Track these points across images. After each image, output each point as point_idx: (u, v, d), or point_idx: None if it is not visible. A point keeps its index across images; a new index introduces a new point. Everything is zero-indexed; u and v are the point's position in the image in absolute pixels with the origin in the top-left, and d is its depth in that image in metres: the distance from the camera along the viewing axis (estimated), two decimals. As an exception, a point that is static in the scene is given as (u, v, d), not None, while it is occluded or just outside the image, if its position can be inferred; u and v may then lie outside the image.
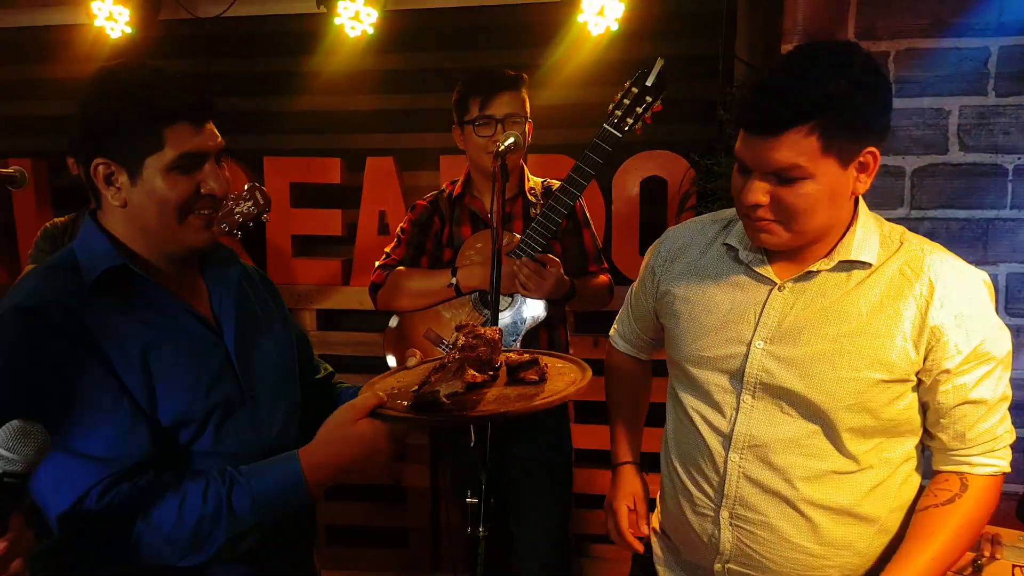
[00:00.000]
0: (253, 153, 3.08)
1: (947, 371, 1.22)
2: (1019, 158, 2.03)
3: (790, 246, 1.26)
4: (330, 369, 1.63)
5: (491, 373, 1.26)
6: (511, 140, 1.84)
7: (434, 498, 3.18)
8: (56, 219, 2.75)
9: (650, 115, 2.04)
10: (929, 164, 2.08)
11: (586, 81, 2.89)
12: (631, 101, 2.03)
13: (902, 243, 1.27)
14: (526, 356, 1.28)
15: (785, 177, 1.15)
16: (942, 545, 1.23)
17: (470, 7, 2.93)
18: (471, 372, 1.19)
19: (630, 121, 2.02)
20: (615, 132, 2.03)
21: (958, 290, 1.22)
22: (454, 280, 2.18)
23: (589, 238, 2.35)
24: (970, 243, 2.07)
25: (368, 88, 3.05)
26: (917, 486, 1.36)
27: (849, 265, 1.26)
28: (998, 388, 1.25)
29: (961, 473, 1.28)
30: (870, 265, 1.25)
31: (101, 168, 1.18)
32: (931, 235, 2.08)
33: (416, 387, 1.18)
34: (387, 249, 2.36)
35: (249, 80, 3.16)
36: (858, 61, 1.12)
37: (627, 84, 2.04)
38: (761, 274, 1.33)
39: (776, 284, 1.31)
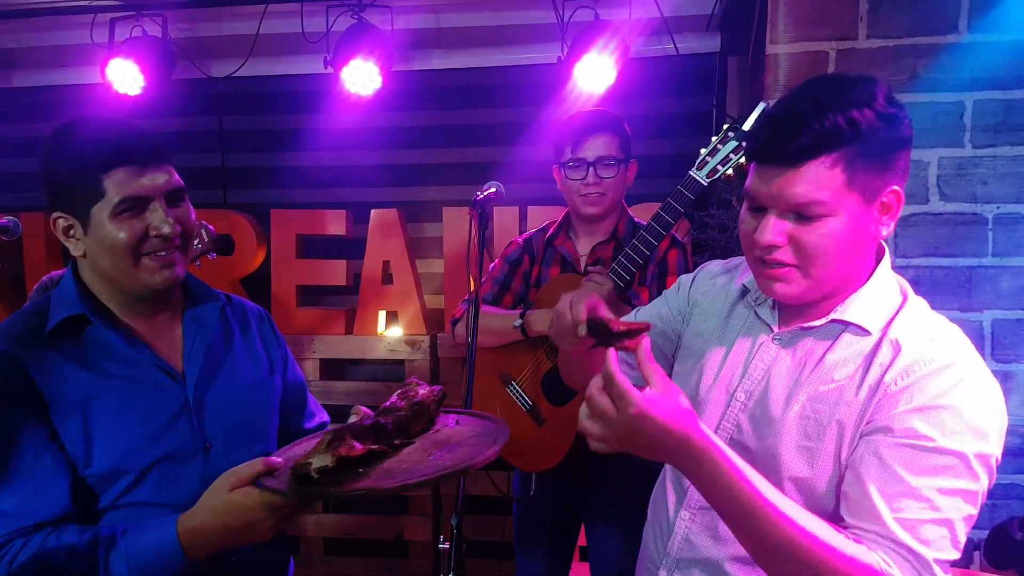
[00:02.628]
0: (262, 206, 3.19)
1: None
2: (998, 207, 2.09)
3: (806, 298, 1.12)
4: (326, 419, 1.61)
5: (397, 442, 1.18)
6: (492, 189, 1.91)
7: (436, 551, 3.16)
8: (54, 272, 2.82)
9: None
10: (911, 214, 2.14)
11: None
12: (725, 147, 1.94)
13: (901, 310, 1.12)
14: (429, 405, 1.22)
15: (806, 215, 1.04)
16: (792, 511, 1.00)
17: (471, 68, 3.06)
18: (349, 443, 1.10)
19: (720, 168, 1.94)
20: (700, 180, 1.95)
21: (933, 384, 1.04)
22: (520, 322, 2.14)
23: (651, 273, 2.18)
24: (954, 290, 2.12)
25: (374, 144, 3.17)
26: None
27: (842, 326, 1.13)
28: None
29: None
30: (866, 332, 1.10)
31: (60, 222, 1.21)
32: (916, 283, 2.12)
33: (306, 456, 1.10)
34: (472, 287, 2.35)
35: (259, 137, 3.29)
36: (882, 92, 1.05)
37: (724, 128, 1.96)
38: (761, 316, 1.22)
39: (773, 332, 1.19)
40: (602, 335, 1.05)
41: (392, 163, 3.19)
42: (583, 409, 0.98)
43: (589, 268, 2.10)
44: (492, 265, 2.30)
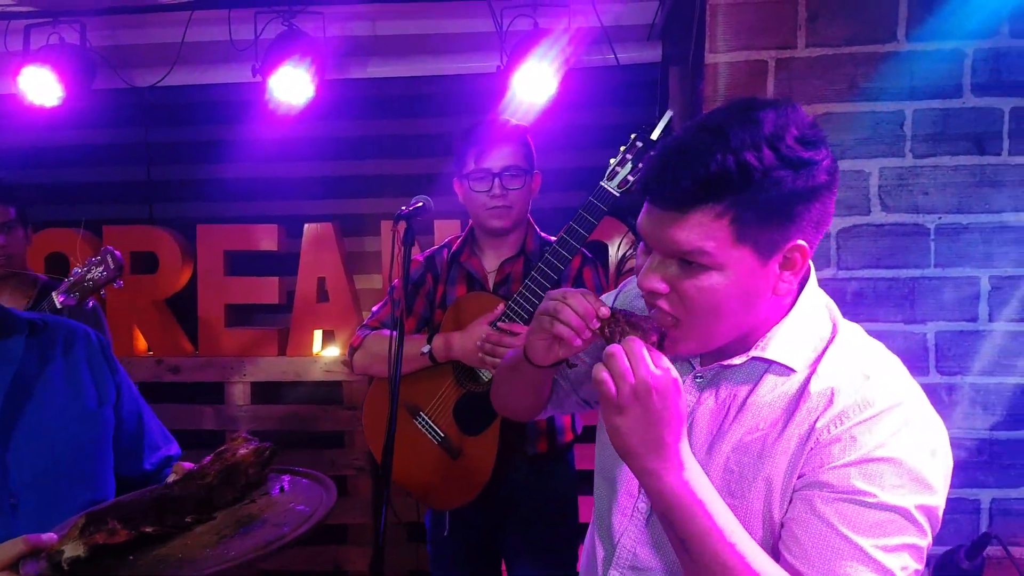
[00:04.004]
0: (187, 221, 3.04)
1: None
2: (939, 218, 2.06)
3: (698, 352, 1.04)
4: (174, 452, 1.44)
5: (190, 519, 1.02)
6: (419, 204, 1.81)
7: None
8: None
9: None
10: (853, 225, 2.10)
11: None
12: (635, 156, 1.87)
13: (831, 345, 1.00)
14: (246, 468, 1.07)
15: (688, 262, 0.93)
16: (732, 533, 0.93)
17: (409, 77, 2.96)
18: (112, 527, 0.93)
19: (631, 179, 1.86)
20: (611, 190, 1.87)
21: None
22: (428, 348, 2.00)
23: None
24: (897, 302, 2.08)
25: (307, 155, 3.05)
26: None
27: (764, 365, 1.01)
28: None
29: None
30: (790, 371, 0.99)
31: None
32: (859, 295, 2.10)
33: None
34: (374, 308, 2.19)
35: (186, 148, 3.14)
36: (795, 128, 0.90)
37: (632, 138, 1.89)
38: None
39: (695, 370, 1.07)
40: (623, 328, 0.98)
41: (326, 175, 3.07)
42: (598, 367, 0.92)
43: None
44: (392, 285, 2.12)
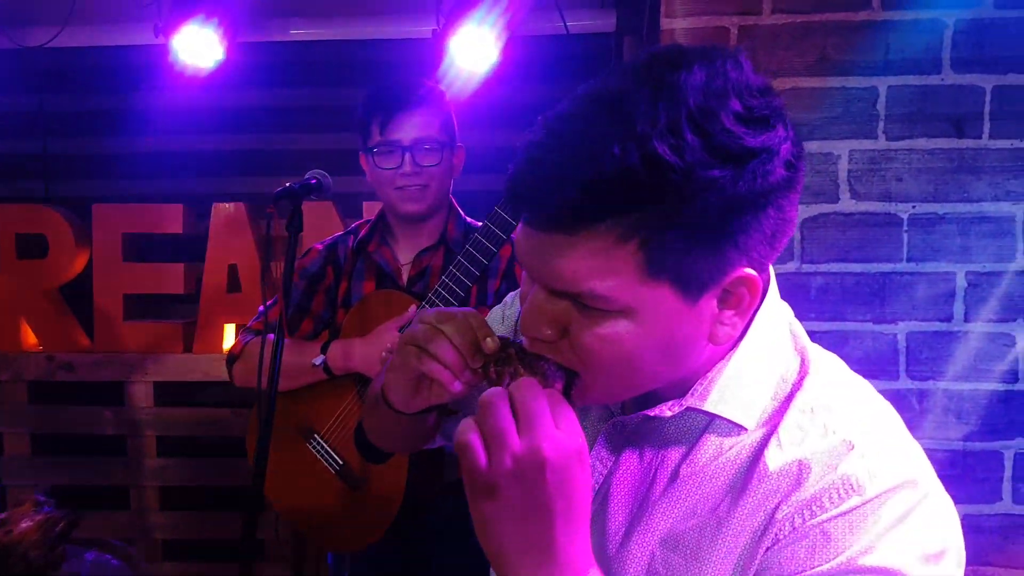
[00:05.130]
0: (80, 201, 2.70)
1: None
2: (913, 207, 1.87)
3: (609, 402, 0.80)
4: None
5: None
6: (312, 180, 1.54)
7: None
8: None
9: None
10: (820, 214, 1.90)
11: (465, 124, 2.65)
12: None
13: (799, 391, 0.73)
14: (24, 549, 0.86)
15: (585, 306, 0.66)
16: None
17: (333, 40, 2.67)
18: None
19: None
20: None
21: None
22: (322, 358, 1.69)
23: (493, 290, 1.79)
24: (866, 299, 1.89)
25: (217, 127, 2.73)
26: None
27: (704, 419, 0.74)
28: None
29: None
30: (740, 428, 0.72)
31: None
32: (824, 291, 1.89)
33: None
34: (260, 307, 1.86)
35: (82, 118, 2.79)
36: (734, 101, 0.61)
37: None
38: None
39: (613, 415, 0.80)
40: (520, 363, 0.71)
41: (239, 149, 2.75)
42: (466, 423, 0.64)
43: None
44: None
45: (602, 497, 0.78)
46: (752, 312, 0.70)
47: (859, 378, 0.77)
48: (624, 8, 2.65)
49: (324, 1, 2.65)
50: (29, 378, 2.74)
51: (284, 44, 2.67)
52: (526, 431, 0.62)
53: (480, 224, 1.67)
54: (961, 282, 1.86)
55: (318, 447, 1.77)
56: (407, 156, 1.66)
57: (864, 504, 0.65)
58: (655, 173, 0.59)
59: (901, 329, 1.89)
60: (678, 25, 1.93)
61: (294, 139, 2.72)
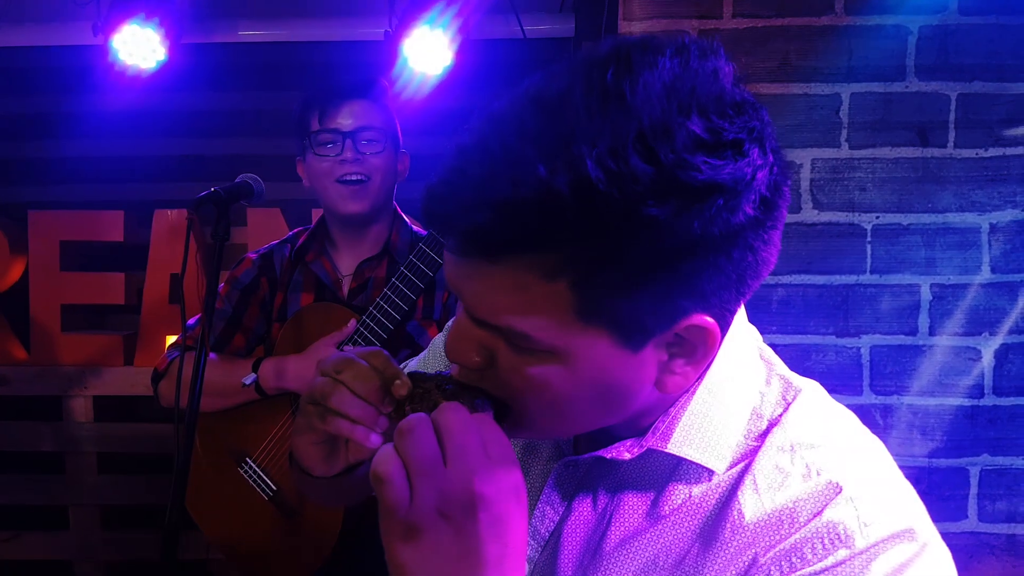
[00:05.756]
0: (16, 207, 2.57)
1: None
2: (877, 217, 1.82)
3: (555, 438, 0.72)
4: None
5: None
6: (246, 182, 1.45)
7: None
8: None
9: None
10: (782, 223, 1.84)
11: (420, 129, 2.57)
12: None
13: (776, 426, 0.64)
14: None
15: (511, 342, 0.58)
16: None
17: (282, 43, 2.56)
18: None
19: None
20: None
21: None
22: (253, 376, 1.58)
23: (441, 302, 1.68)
24: (829, 312, 1.83)
25: (160, 131, 2.60)
26: None
27: (668, 463, 0.66)
28: None
29: None
30: (709, 472, 0.64)
31: None
32: (786, 304, 1.84)
33: None
34: (189, 322, 1.73)
35: (13, 122, 2.65)
36: (695, 116, 0.51)
37: None
38: None
39: (564, 457, 0.71)
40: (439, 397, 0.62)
41: (182, 154, 2.62)
42: (384, 452, 0.55)
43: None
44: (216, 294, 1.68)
45: (552, 548, 0.69)
46: (708, 363, 0.61)
47: (842, 408, 0.69)
48: (583, 13, 2.58)
49: (273, 1, 2.55)
50: (-39, 392, 2.60)
51: (230, 45, 2.55)
52: (454, 461, 0.54)
53: (427, 233, 1.58)
54: (926, 294, 1.81)
55: (250, 472, 1.66)
56: (347, 142, 1.56)
57: (852, 558, 0.57)
58: (586, 205, 0.49)
59: (865, 343, 1.84)
60: (636, 28, 1.86)
61: (241, 144, 2.61)
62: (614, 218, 0.50)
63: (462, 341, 0.60)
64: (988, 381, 1.81)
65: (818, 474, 0.60)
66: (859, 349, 1.84)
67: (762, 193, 0.54)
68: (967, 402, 1.81)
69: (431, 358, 0.91)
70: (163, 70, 2.41)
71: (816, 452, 0.62)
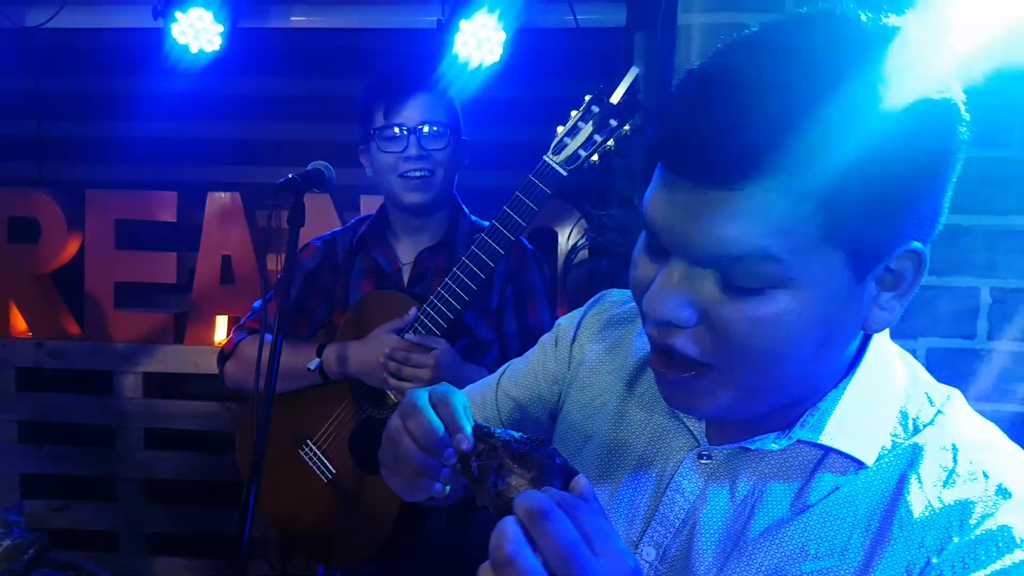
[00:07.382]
0: (74, 185, 2.63)
1: None
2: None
3: (735, 418, 0.68)
4: None
5: None
6: (320, 170, 1.46)
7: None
8: None
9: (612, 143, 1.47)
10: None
11: (472, 118, 2.57)
12: (587, 125, 1.46)
13: (922, 430, 0.66)
14: None
15: (737, 281, 0.58)
16: None
17: (336, 29, 2.58)
18: None
19: (583, 154, 1.46)
20: (557, 168, 1.48)
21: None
22: (318, 361, 1.60)
23: (537, 313, 1.67)
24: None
25: (214, 114, 2.65)
26: None
27: (817, 453, 0.67)
28: None
29: None
30: (859, 464, 0.65)
31: None
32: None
33: None
34: (255, 303, 1.78)
35: (74, 102, 2.71)
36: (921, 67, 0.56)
37: (586, 100, 1.48)
38: (683, 420, 0.75)
39: (699, 445, 0.72)
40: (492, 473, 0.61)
41: (235, 138, 2.67)
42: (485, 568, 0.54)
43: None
44: (278, 275, 1.65)
45: (687, 535, 0.70)
46: (910, 296, 0.63)
47: (980, 416, 0.70)
48: (636, 3, 2.56)
49: (328, -13, 2.57)
50: (17, 365, 2.67)
51: (284, 31, 2.58)
52: (563, 572, 0.52)
53: (488, 224, 1.58)
54: (986, 298, 1.77)
55: (310, 455, 1.68)
56: (412, 139, 1.58)
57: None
58: (848, 117, 0.53)
59: (921, 345, 1.79)
60: (696, 20, 1.83)
61: (292, 129, 2.64)
62: (874, 126, 0.54)
63: (673, 296, 0.59)
64: (1047, 388, 1.76)
65: (985, 476, 0.62)
66: (915, 351, 1.80)
67: (957, 112, 0.59)
68: (1025, 409, 1.76)
69: (531, 361, 0.94)
70: (218, 55, 2.45)
71: (980, 454, 0.63)
